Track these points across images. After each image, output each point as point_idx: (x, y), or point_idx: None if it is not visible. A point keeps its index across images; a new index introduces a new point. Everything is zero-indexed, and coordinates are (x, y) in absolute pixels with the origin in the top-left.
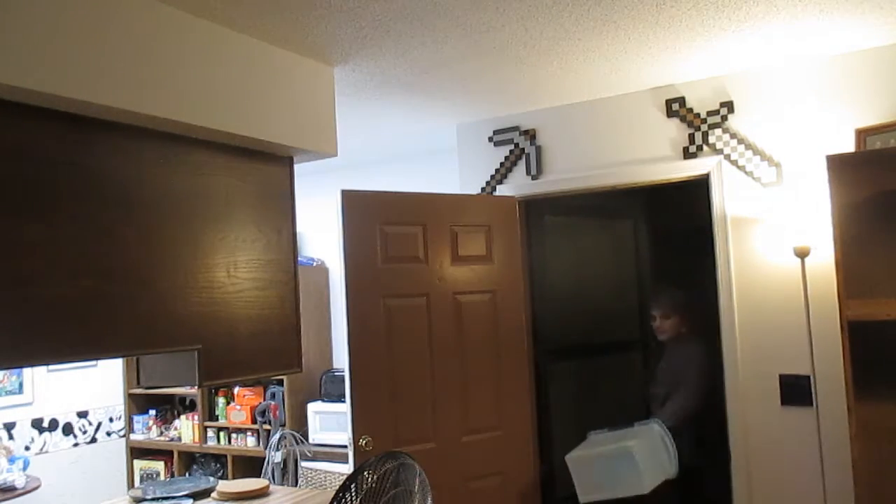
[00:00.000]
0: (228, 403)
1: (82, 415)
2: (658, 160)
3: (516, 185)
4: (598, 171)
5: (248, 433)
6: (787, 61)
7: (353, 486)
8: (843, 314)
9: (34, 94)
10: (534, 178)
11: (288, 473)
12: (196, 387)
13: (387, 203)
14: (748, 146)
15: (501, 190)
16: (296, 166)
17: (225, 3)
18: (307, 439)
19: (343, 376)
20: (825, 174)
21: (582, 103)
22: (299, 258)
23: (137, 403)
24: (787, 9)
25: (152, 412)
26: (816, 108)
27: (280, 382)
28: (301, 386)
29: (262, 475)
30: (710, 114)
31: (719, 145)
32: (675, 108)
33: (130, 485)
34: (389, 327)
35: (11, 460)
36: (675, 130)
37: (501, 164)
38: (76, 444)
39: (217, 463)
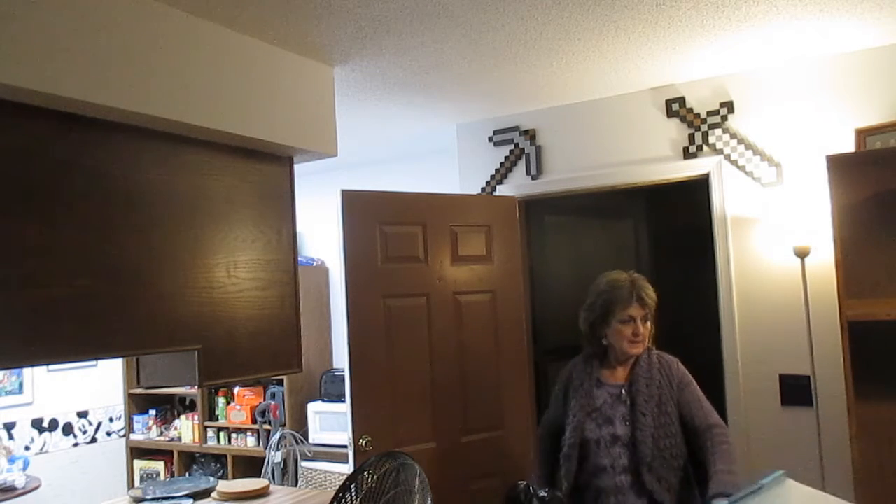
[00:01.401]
0: (228, 403)
1: (82, 415)
2: (658, 160)
3: (516, 185)
4: (598, 171)
5: (248, 433)
6: (787, 61)
7: (353, 486)
8: (843, 314)
9: (34, 94)
10: (534, 178)
11: (288, 473)
12: (196, 387)
13: (387, 203)
14: (748, 146)
15: (501, 190)
16: (296, 166)
17: (225, 4)
18: (307, 439)
19: (343, 376)
20: (825, 174)
21: (582, 103)
22: (299, 258)
23: (137, 403)
24: (787, 9)
25: (152, 412)
26: (816, 108)
27: (280, 382)
28: (301, 386)
29: (262, 475)
30: (710, 114)
31: (719, 145)
32: (675, 108)
33: (130, 485)
34: (389, 327)
35: (11, 460)
36: (675, 130)
37: (501, 164)
38: (76, 444)
39: (217, 463)
